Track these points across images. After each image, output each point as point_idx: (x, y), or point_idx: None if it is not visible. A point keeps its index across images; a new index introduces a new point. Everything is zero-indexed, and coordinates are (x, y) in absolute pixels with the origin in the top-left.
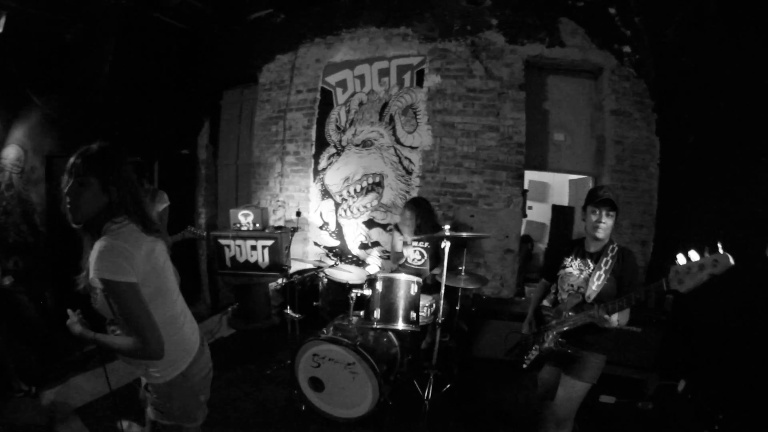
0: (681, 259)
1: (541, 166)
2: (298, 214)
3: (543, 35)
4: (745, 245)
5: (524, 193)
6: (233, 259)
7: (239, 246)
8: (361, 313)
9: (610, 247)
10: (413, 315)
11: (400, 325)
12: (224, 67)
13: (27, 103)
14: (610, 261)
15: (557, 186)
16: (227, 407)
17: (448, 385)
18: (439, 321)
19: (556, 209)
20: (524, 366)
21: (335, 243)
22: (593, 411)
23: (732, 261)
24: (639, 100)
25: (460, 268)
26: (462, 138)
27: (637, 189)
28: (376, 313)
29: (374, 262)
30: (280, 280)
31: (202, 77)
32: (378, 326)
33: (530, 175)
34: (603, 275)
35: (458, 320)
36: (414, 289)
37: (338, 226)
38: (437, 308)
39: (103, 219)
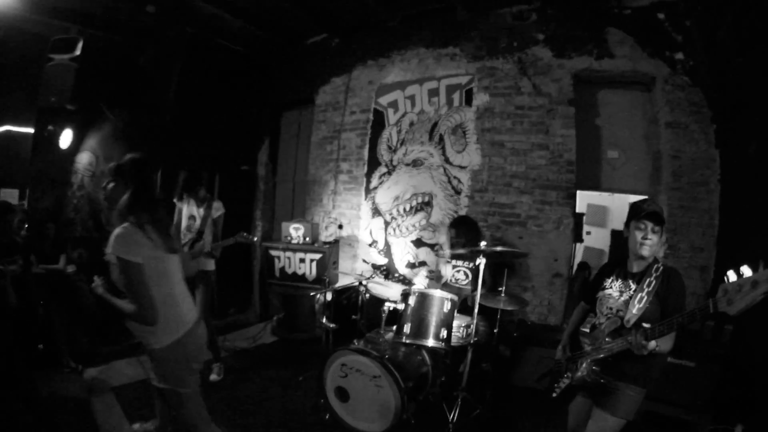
0: (732, 276)
1: (594, 186)
2: (340, 227)
3: (591, 47)
4: None
5: (580, 216)
6: (282, 270)
7: (288, 258)
8: (395, 327)
9: (655, 266)
10: (444, 333)
11: (430, 342)
12: (283, 89)
13: (100, 116)
14: (654, 282)
15: (617, 210)
16: (255, 407)
17: (477, 411)
18: (471, 342)
19: (616, 234)
20: (554, 394)
21: (383, 261)
22: None
23: None
24: (696, 110)
25: (500, 288)
26: (511, 157)
27: (697, 208)
28: (407, 328)
29: (420, 282)
30: (321, 294)
31: (262, 98)
32: (407, 341)
33: (589, 198)
34: (645, 297)
35: (497, 344)
36: (447, 306)
37: (387, 244)
38: (475, 330)
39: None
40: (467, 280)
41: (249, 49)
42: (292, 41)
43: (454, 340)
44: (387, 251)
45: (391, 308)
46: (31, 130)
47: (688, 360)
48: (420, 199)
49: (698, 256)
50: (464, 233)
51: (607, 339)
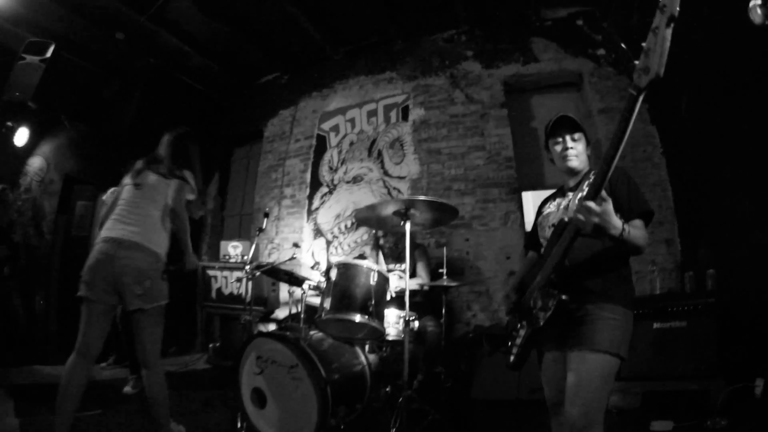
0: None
1: (539, 185)
2: (296, 245)
3: (517, 56)
4: None
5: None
6: (219, 291)
7: (225, 277)
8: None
9: (591, 171)
10: (372, 306)
11: (356, 316)
12: (235, 125)
13: (57, 124)
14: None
15: None
16: None
17: (430, 417)
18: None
19: None
20: (511, 360)
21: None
22: None
23: None
24: (624, 95)
25: (441, 270)
26: (449, 162)
27: (647, 183)
28: (327, 303)
29: None
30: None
31: (215, 133)
32: (326, 317)
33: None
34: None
35: (443, 344)
36: (374, 277)
37: (329, 264)
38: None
39: None
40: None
41: (205, 86)
42: (246, 79)
43: (393, 333)
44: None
45: (311, 286)
46: None
47: (677, 321)
48: None
49: (660, 229)
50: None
51: (553, 252)
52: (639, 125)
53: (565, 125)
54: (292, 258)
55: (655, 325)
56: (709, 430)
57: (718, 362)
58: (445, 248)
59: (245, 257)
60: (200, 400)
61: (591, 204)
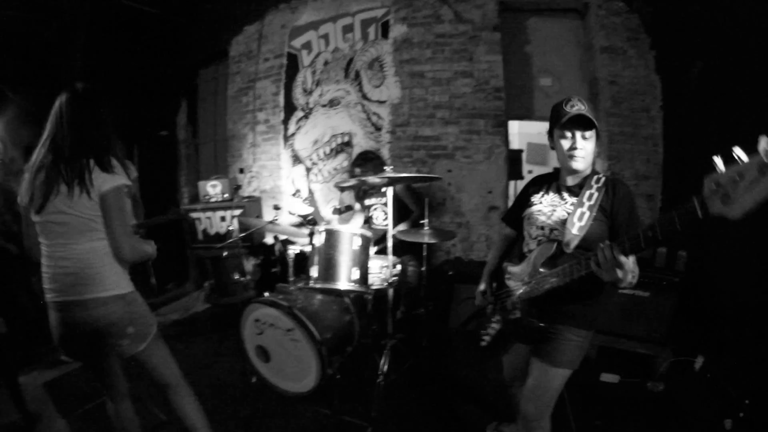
0: (720, 164)
1: (527, 115)
2: (276, 207)
3: None
4: None
5: (518, 152)
6: (204, 232)
7: (209, 218)
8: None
9: (595, 177)
10: (356, 273)
11: (342, 284)
12: (197, 46)
13: (3, 98)
14: (596, 194)
15: None
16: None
17: (410, 362)
18: (391, 282)
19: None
20: (483, 343)
21: (309, 210)
22: (593, 392)
23: None
24: (633, 36)
25: (422, 221)
26: (433, 87)
27: (639, 135)
28: (314, 271)
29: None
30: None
31: (176, 58)
32: (315, 285)
33: (528, 138)
34: (587, 213)
35: (425, 284)
36: (357, 242)
37: (310, 192)
38: (403, 270)
39: None
40: (387, 219)
41: (158, 8)
42: None
43: (377, 282)
44: (311, 199)
45: (297, 251)
46: None
47: (641, 290)
48: (339, 140)
49: (643, 183)
50: (366, 168)
51: (541, 270)
52: (642, 72)
53: (577, 121)
54: (274, 221)
55: (622, 290)
56: (648, 390)
57: (669, 334)
58: (426, 200)
59: (225, 195)
60: (210, 350)
61: (625, 264)
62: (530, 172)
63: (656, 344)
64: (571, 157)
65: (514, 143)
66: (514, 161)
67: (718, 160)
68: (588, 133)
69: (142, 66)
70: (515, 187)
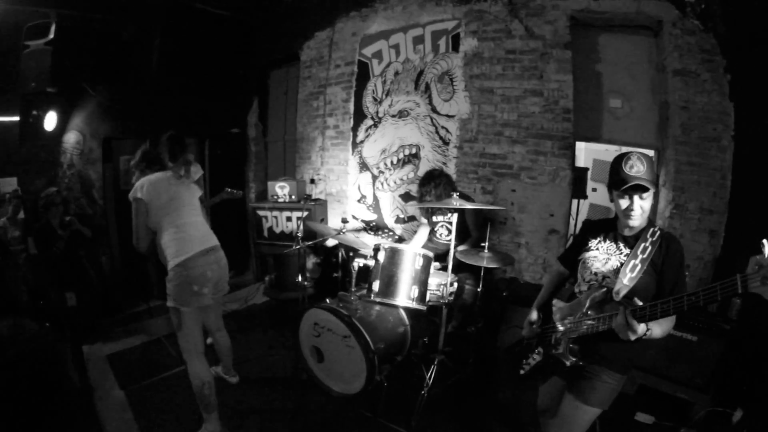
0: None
1: (595, 137)
2: (344, 221)
3: None
4: None
5: (584, 171)
6: (270, 229)
7: (276, 217)
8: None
9: (651, 230)
10: (415, 291)
11: (400, 301)
12: (269, 48)
13: (83, 94)
14: (650, 248)
15: None
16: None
17: (456, 376)
18: (448, 301)
19: None
20: (522, 372)
21: (373, 216)
22: (626, 429)
23: None
24: (708, 58)
25: (483, 244)
26: (502, 104)
27: (707, 166)
28: (376, 286)
29: (420, 240)
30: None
31: (248, 59)
32: (375, 299)
33: (595, 154)
34: (639, 266)
35: (479, 304)
36: (419, 262)
37: (375, 199)
38: (460, 288)
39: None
40: (450, 236)
41: (231, 12)
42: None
43: (432, 299)
44: (376, 206)
45: (361, 264)
46: (17, 118)
47: (690, 333)
48: (407, 151)
49: (707, 218)
50: (434, 188)
51: (588, 312)
52: (715, 98)
53: (635, 190)
54: (341, 231)
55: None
56: None
57: (711, 381)
58: (489, 224)
59: (292, 197)
60: (264, 343)
61: (637, 329)
62: (594, 190)
63: (697, 390)
64: (628, 216)
65: (580, 160)
66: (578, 180)
67: (766, 242)
68: (645, 195)
69: (215, 66)
70: (578, 206)
